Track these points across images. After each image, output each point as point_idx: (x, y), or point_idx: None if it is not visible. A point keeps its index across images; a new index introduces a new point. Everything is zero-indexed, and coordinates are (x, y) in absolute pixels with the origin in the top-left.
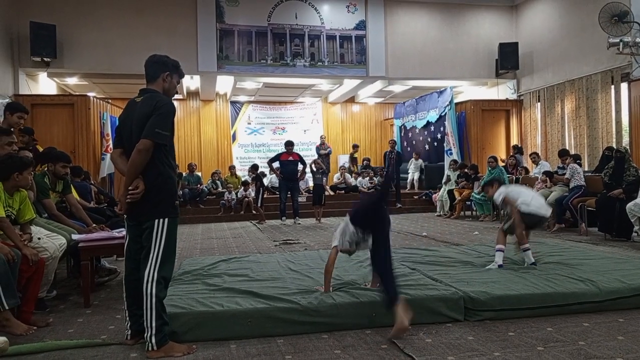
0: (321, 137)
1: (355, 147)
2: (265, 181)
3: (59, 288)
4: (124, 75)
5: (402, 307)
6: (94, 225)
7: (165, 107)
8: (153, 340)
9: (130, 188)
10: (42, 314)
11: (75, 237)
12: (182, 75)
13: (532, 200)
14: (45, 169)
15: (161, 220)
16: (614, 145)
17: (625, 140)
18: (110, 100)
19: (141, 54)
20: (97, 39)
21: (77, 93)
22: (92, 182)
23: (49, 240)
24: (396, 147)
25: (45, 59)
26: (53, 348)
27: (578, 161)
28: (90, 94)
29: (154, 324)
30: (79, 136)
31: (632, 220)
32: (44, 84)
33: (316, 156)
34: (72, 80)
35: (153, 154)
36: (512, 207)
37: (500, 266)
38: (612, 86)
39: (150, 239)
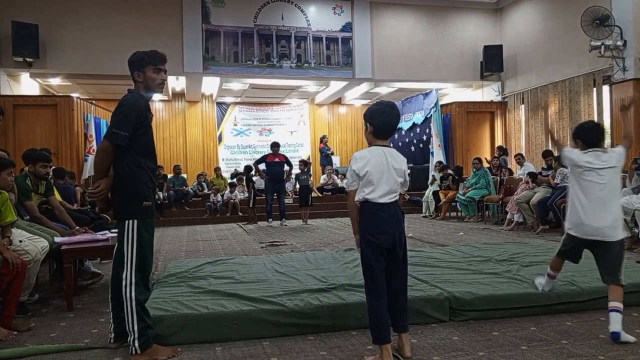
0: (323, 137)
1: (323, 138)
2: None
3: (41, 291)
4: (108, 76)
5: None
6: (77, 227)
7: (125, 106)
8: (136, 344)
9: (89, 188)
10: (23, 318)
11: (57, 239)
12: (155, 62)
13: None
14: (27, 170)
15: (130, 222)
16: None
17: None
18: (94, 101)
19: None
20: (81, 39)
21: (60, 94)
22: (76, 183)
23: (30, 243)
24: None
25: (27, 59)
26: (35, 353)
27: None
28: (74, 95)
29: (136, 328)
30: (62, 137)
31: None
32: (26, 85)
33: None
34: (55, 81)
35: (116, 154)
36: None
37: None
38: (594, 89)
39: (122, 242)
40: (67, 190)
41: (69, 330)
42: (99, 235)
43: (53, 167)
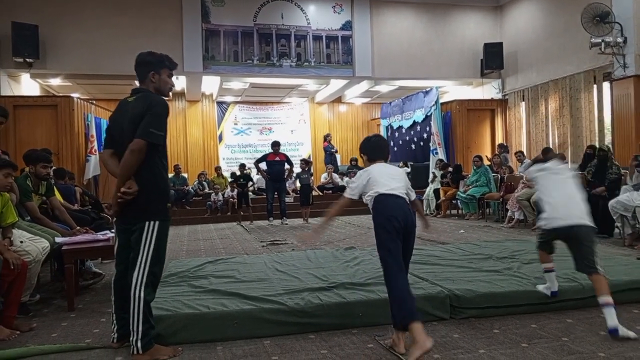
0: (327, 136)
1: (326, 137)
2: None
3: (42, 292)
4: (109, 76)
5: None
6: (78, 227)
7: (159, 106)
8: (139, 345)
9: (122, 189)
10: (25, 318)
11: (58, 240)
12: (172, 67)
13: None
14: (28, 171)
15: (152, 222)
16: (597, 144)
17: (608, 138)
18: (94, 101)
19: (126, 54)
20: (81, 39)
21: (61, 94)
22: (76, 184)
23: (31, 243)
24: None
25: (27, 59)
26: (37, 353)
27: (564, 161)
28: (74, 95)
29: (140, 328)
30: (62, 138)
31: (615, 218)
32: (27, 85)
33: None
34: (56, 81)
35: (146, 154)
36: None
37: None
38: (595, 86)
39: (139, 242)
40: (67, 190)
41: (70, 331)
42: (100, 236)
43: (53, 168)
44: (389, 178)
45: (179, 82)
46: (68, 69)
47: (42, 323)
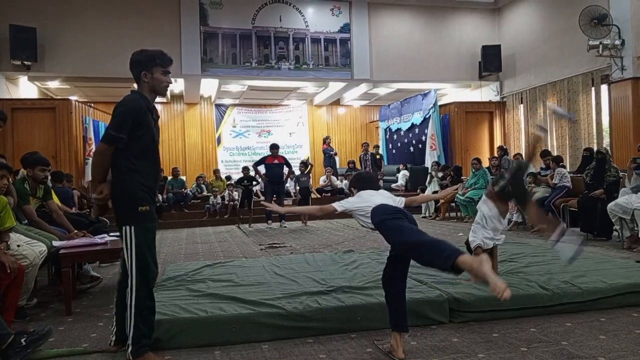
0: (327, 138)
1: (326, 139)
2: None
3: (39, 296)
4: (107, 79)
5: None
6: (76, 231)
7: (121, 107)
8: (129, 350)
9: (93, 194)
10: (22, 322)
11: (56, 243)
12: (165, 64)
13: None
14: (25, 174)
15: (126, 228)
16: (595, 146)
17: (606, 141)
18: (92, 104)
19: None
20: (79, 41)
21: (59, 97)
22: (74, 187)
23: (28, 247)
24: (371, 150)
25: (25, 62)
26: (34, 358)
27: (561, 163)
28: (72, 98)
29: (132, 334)
30: (60, 141)
31: (613, 220)
32: (25, 88)
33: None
34: (54, 84)
35: (114, 156)
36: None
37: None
38: (593, 88)
39: (124, 248)
40: (65, 193)
41: (67, 335)
42: (98, 239)
43: (51, 171)
44: (380, 197)
45: (178, 85)
46: (66, 71)
47: (39, 327)
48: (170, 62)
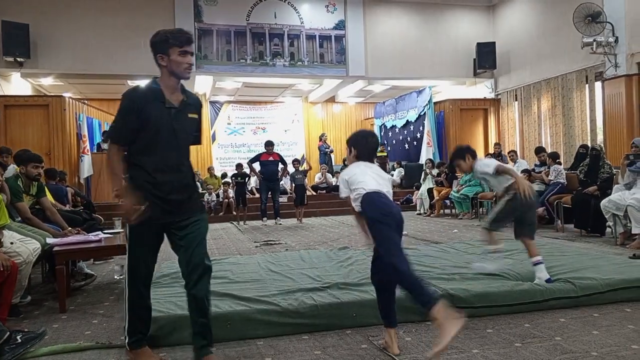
0: (322, 135)
1: (321, 136)
2: (252, 182)
3: (33, 293)
4: (100, 76)
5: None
6: (70, 228)
7: (120, 101)
8: (126, 341)
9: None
10: (15, 320)
11: (49, 241)
12: (182, 43)
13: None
14: (19, 171)
15: (127, 226)
16: (589, 143)
17: (600, 138)
18: (86, 101)
19: (118, 53)
20: (73, 38)
21: (52, 94)
22: (68, 184)
23: (22, 244)
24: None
25: (18, 59)
26: (28, 356)
27: (558, 160)
28: (66, 95)
29: (126, 328)
30: (54, 138)
31: (607, 217)
32: (18, 85)
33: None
34: (47, 81)
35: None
36: (515, 177)
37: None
38: (587, 85)
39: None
40: (59, 191)
41: (61, 332)
42: (92, 236)
43: (45, 168)
44: (372, 176)
45: None
46: (60, 68)
47: (33, 325)
48: (188, 41)
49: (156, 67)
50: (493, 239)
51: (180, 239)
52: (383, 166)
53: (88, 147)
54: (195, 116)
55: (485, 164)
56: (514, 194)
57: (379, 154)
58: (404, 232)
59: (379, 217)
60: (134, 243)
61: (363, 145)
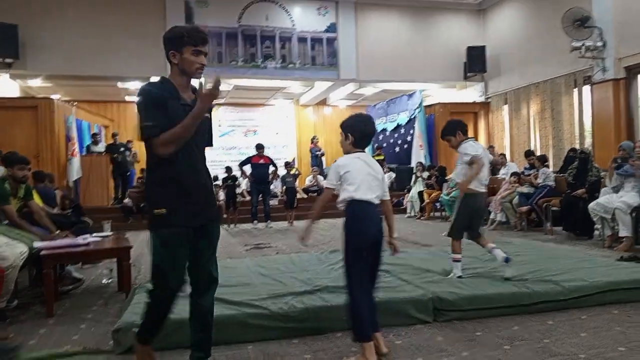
0: (314, 138)
1: (313, 139)
2: (243, 185)
3: (20, 298)
4: (90, 77)
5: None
6: (58, 231)
7: (138, 99)
8: (137, 331)
9: None
10: (1, 325)
11: (37, 244)
12: (197, 42)
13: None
14: (5, 173)
15: (150, 233)
16: (578, 146)
17: (588, 141)
18: (75, 103)
19: (108, 55)
20: (63, 39)
21: (41, 95)
22: (56, 187)
23: (8, 248)
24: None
25: (6, 59)
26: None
27: (546, 163)
28: (55, 97)
29: (141, 321)
30: (42, 140)
31: (595, 219)
32: (6, 86)
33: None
34: (36, 82)
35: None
36: (477, 166)
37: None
38: (575, 89)
39: None
40: (47, 193)
41: (48, 338)
42: (80, 240)
43: (33, 170)
44: (367, 177)
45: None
46: (49, 69)
47: (19, 330)
48: (204, 40)
49: (146, 68)
50: (459, 247)
51: (194, 245)
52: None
53: (77, 150)
54: (208, 115)
55: (470, 147)
56: (464, 196)
57: (376, 158)
58: (395, 235)
59: (353, 238)
60: (157, 254)
61: (361, 132)
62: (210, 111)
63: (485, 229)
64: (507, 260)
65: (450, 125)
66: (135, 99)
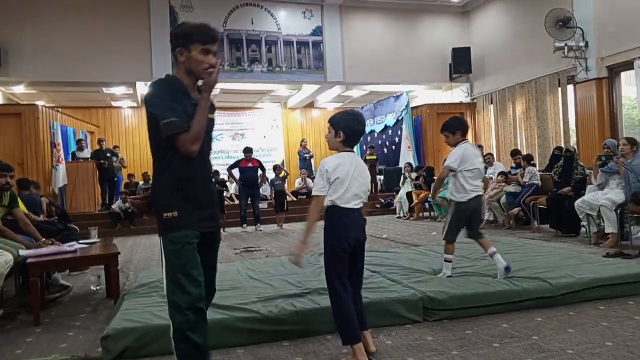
0: (302, 141)
1: (302, 142)
2: (232, 189)
3: (6, 307)
4: (74, 83)
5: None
6: (44, 239)
7: (148, 95)
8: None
9: None
10: None
11: (23, 252)
12: (206, 40)
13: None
14: None
15: (160, 238)
16: (562, 145)
17: (573, 139)
18: (60, 109)
19: (92, 60)
20: (45, 45)
21: (25, 102)
22: (42, 194)
23: None
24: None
25: None
26: None
27: (532, 162)
28: (39, 103)
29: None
30: (27, 147)
31: (580, 217)
32: None
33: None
34: (19, 89)
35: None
36: (441, 175)
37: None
38: (560, 88)
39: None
40: (32, 201)
41: (35, 346)
42: (67, 247)
43: (17, 178)
44: (354, 181)
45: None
46: (32, 76)
47: (4, 339)
48: (214, 39)
49: (131, 73)
50: (452, 249)
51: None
52: (373, 169)
53: (62, 156)
54: (213, 117)
55: (453, 154)
56: (455, 204)
57: (368, 157)
58: (384, 236)
59: (334, 241)
60: (172, 261)
61: (352, 129)
62: (213, 110)
63: None
64: (507, 269)
65: (453, 123)
66: (139, 99)
